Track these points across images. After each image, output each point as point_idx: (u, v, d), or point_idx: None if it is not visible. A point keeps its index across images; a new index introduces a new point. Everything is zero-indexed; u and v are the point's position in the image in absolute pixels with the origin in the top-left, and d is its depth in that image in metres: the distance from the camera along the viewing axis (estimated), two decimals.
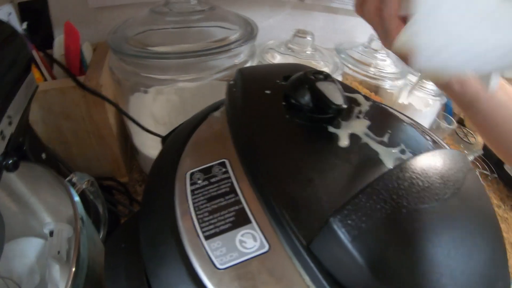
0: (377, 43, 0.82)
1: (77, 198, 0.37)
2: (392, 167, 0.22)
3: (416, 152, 0.26)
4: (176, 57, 0.50)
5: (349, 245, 0.17)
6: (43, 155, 0.49)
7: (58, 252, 0.39)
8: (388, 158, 0.25)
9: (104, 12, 0.76)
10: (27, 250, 0.44)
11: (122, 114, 0.60)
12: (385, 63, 0.82)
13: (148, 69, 0.54)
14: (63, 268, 0.37)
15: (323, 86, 0.28)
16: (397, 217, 0.19)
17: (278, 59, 0.75)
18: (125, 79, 0.56)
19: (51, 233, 0.41)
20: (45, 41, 0.69)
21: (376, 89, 0.84)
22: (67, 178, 0.42)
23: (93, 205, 0.49)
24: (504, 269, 0.21)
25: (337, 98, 0.27)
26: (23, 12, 0.68)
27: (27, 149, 0.44)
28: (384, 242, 0.18)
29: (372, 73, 0.78)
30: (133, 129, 0.64)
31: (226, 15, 0.63)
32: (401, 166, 0.21)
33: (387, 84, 0.79)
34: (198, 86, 0.59)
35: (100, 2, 0.74)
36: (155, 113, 0.64)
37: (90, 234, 0.38)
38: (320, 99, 0.27)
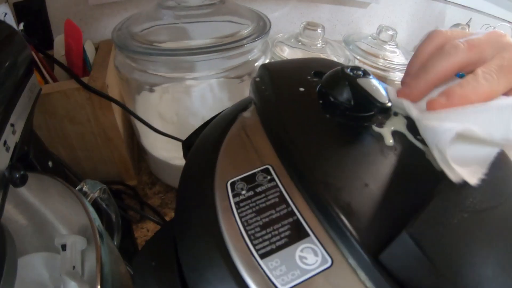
0: (385, 34, 0.80)
1: (91, 209, 0.35)
2: None
3: None
4: (185, 54, 0.48)
5: (426, 256, 0.16)
6: (50, 163, 0.46)
7: (73, 267, 0.38)
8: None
9: (105, 9, 0.73)
10: (39, 266, 0.41)
11: (129, 115, 0.58)
12: (394, 54, 0.80)
13: (156, 67, 0.52)
14: (79, 285, 0.35)
15: (365, 83, 0.26)
16: (470, 222, 0.18)
17: (287, 52, 0.73)
18: (132, 78, 0.54)
19: (64, 247, 0.40)
20: (43, 42, 0.67)
21: (384, 81, 0.84)
22: (78, 187, 0.40)
23: (105, 213, 0.47)
24: None
25: (381, 95, 0.25)
26: (19, 13, 0.66)
27: (32, 158, 0.41)
28: (461, 250, 0.17)
29: (381, 64, 0.76)
30: (142, 130, 0.62)
31: (237, 9, 0.60)
32: None
33: (396, 76, 0.76)
34: (209, 84, 0.57)
35: None
36: (163, 113, 0.61)
37: (109, 247, 0.35)
38: (364, 97, 0.25)
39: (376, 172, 0.21)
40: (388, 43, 0.80)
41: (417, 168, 0.23)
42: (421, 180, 0.22)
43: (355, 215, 0.18)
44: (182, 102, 0.60)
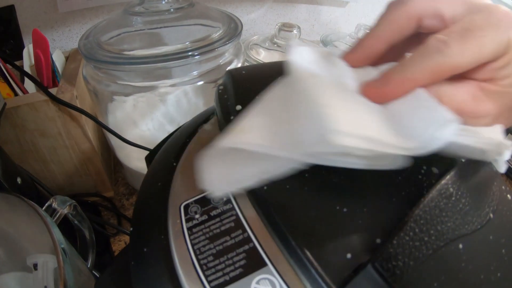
0: (364, 33, 0.80)
1: (55, 229, 0.33)
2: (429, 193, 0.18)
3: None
4: (156, 61, 0.46)
5: None
6: (19, 180, 0.44)
7: (45, 287, 0.36)
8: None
9: (76, 16, 0.71)
10: (13, 286, 0.40)
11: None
12: None
13: (126, 76, 0.50)
14: None
15: None
16: (443, 251, 0.16)
17: (263, 55, 0.72)
18: (102, 89, 0.51)
19: (35, 266, 0.38)
20: (14, 52, 0.65)
21: None
22: (47, 204, 0.38)
23: (78, 229, 0.46)
24: None
25: None
26: None
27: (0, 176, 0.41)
28: (431, 282, 0.16)
29: None
30: (115, 141, 0.60)
31: (207, 12, 0.58)
32: (439, 188, 0.17)
33: None
34: (183, 90, 0.55)
35: (70, 6, 0.68)
36: (138, 122, 0.59)
37: (76, 265, 0.34)
38: None
39: (345, 193, 0.20)
40: None
41: (387, 187, 0.20)
42: (398, 204, 0.19)
43: (318, 243, 0.17)
44: (157, 109, 0.58)
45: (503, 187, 0.22)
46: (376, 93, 0.19)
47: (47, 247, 0.38)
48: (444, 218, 0.17)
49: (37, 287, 0.36)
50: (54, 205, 0.39)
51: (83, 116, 0.51)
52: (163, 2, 0.54)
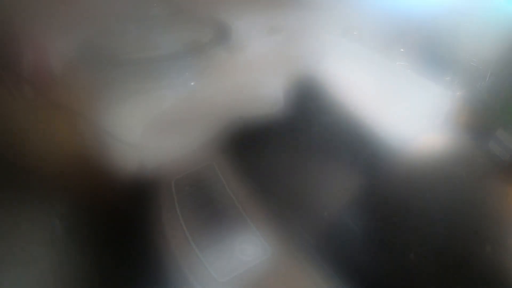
0: None
1: None
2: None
3: None
4: (144, 65, 0.49)
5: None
6: None
7: None
8: None
9: None
10: None
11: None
12: None
13: (115, 80, 0.53)
14: None
15: None
16: None
17: None
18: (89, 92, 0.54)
19: None
20: None
21: None
22: None
23: None
24: None
25: None
26: None
27: None
28: None
29: None
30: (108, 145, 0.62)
31: (195, 17, 0.61)
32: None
33: None
34: (175, 96, 0.58)
35: None
36: (132, 129, 0.62)
37: None
38: None
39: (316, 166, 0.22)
40: None
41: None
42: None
43: (295, 206, 0.18)
44: (150, 115, 0.60)
45: None
46: None
47: None
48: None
49: None
50: None
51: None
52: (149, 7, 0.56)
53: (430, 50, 0.31)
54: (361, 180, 0.20)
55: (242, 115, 0.23)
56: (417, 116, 0.26)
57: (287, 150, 0.23)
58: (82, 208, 0.26)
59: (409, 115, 0.25)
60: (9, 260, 0.26)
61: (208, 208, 0.21)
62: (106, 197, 0.25)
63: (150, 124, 0.25)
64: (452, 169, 0.25)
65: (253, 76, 0.25)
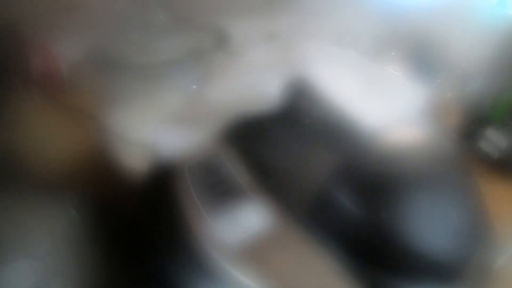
0: None
1: None
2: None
3: None
4: (148, 69, 0.51)
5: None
6: None
7: None
8: None
9: None
10: None
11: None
12: None
13: (121, 83, 0.55)
14: None
15: None
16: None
17: None
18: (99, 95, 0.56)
19: None
20: None
21: None
22: None
23: None
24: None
25: None
26: None
27: None
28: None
29: None
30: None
31: (197, 25, 0.63)
32: None
33: None
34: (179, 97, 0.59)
35: None
36: (138, 128, 0.63)
37: None
38: None
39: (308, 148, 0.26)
40: None
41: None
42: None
43: (289, 183, 0.23)
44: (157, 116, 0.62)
45: None
46: None
47: None
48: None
49: None
50: None
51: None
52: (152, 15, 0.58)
53: (421, 53, 0.33)
54: (345, 161, 0.24)
55: (244, 111, 0.28)
56: (403, 114, 0.29)
57: (282, 139, 0.28)
58: (97, 199, 0.29)
59: (394, 113, 0.28)
60: (23, 252, 0.28)
61: (217, 187, 0.27)
62: (119, 188, 0.28)
63: (159, 122, 0.28)
64: (440, 165, 0.27)
65: (252, 78, 0.28)
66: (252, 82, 0.28)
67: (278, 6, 0.28)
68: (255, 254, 0.26)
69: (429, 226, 0.25)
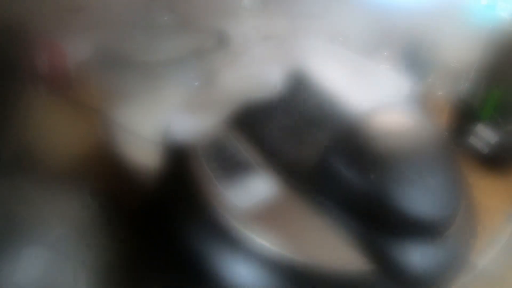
0: None
1: None
2: None
3: None
4: (152, 66, 0.53)
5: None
6: None
7: None
8: None
9: None
10: None
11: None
12: None
13: (125, 80, 0.56)
14: None
15: None
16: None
17: None
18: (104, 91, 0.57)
19: None
20: None
21: None
22: None
23: None
24: None
25: None
26: None
27: None
28: None
29: None
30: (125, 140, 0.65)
31: (199, 26, 0.64)
32: None
33: None
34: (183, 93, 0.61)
35: None
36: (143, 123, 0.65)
37: None
38: None
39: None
40: None
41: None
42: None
43: (290, 159, 0.31)
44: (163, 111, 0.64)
45: None
46: None
47: None
48: None
49: None
50: None
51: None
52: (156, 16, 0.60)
53: (412, 54, 0.35)
54: (337, 138, 0.32)
55: (249, 99, 0.33)
56: (390, 100, 0.31)
57: (282, 122, 0.33)
58: (111, 187, 0.32)
59: (381, 100, 0.31)
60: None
61: (228, 162, 0.31)
62: (129, 177, 0.31)
63: (168, 112, 0.31)
64: (425, 142, 0.30)
65: (253, 71, 0.32)
66: (254, 75, 0.32)
67: (273, 9, 0.31)
68: (264, 217, 0.30)
69: (416, 192, 0.28)
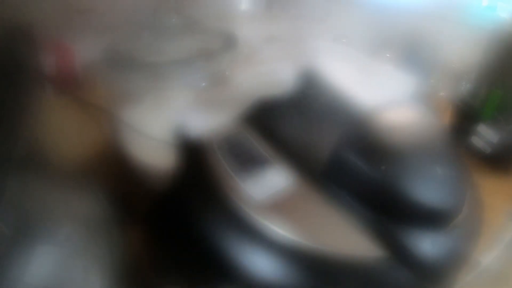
0: None
1: None
2: None
3: None
4: (160, 67, 0.53)
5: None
6: None
7: None
8: None
9: None
10: None
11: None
12: None
13: (134, 80, 0.57)
14: None
15: None
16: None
17: None
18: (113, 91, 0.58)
19: None
20: None
21: None
22: None
23: None
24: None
25: None
26: None
27: None
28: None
29: None
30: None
31: (206, 28, 0.65)
32: None
33: None
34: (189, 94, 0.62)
35: None
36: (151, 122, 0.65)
37: None
38: None
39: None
40: None
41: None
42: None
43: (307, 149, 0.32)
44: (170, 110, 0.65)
45: None
46: None
47: None
48: None
49: None
50: None
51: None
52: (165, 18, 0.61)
53: (415, 55, 0.35)
54: (347, 132, 0.33)
55: (262, 96, 0.34)
56: (395, 97, 0.33)
57: (294, 119, 0.34)
58: (122, 185, 0.32)
59: (386, 97, 0.32)
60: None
61: (243, 156, 0.33)
62: (142, 175, 0.31)
63: (180, 111, 0.32)
64: (430, 135, 0.31)
65: (262, 71, 0.33)
66: (264, 74, 0.33)
67: (277, 12, 0.32)
68: (280, 207, 0.31)
69: (424, 182, 0.29)
